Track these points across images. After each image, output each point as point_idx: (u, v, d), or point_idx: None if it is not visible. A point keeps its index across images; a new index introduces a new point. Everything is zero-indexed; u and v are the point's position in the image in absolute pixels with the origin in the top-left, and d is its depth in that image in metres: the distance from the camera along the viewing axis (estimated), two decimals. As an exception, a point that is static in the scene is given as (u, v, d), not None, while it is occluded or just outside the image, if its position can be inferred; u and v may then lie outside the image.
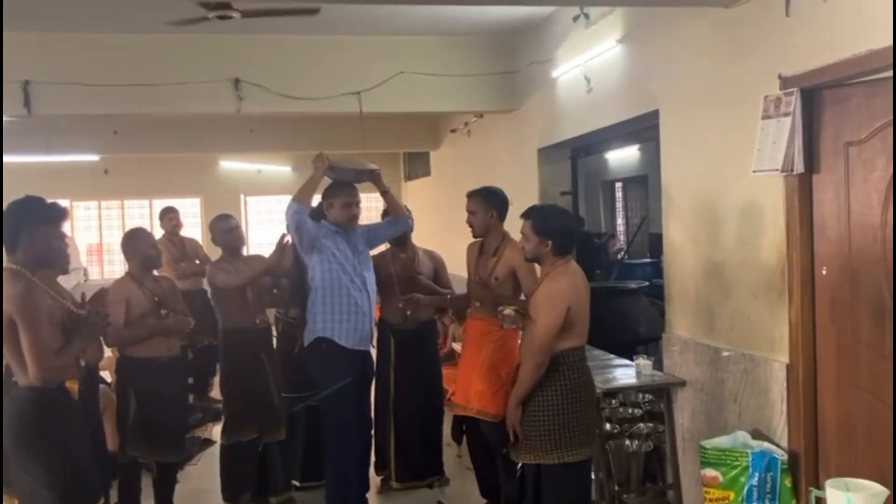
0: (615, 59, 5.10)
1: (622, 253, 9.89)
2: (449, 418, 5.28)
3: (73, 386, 3.19)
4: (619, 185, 12.77)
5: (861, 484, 2.02)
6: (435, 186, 10.90)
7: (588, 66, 5.42)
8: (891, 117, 3.05)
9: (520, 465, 3.60)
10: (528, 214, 3.60)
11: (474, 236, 4.34)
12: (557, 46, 5.93)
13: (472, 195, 4.33)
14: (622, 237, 12.06)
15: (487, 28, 6.45)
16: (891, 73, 2.99)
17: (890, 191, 3.09)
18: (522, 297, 4.13)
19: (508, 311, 3.64)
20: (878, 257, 3.16)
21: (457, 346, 6.06)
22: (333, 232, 4.29)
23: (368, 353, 4.44)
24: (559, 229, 3.54)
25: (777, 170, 3.35)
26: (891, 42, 2.86)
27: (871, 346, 3.22)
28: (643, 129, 5.35)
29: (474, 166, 8.57)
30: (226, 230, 4.73)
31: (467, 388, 4.24)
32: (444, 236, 8.32)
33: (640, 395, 4.76)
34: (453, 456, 5.48)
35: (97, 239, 13.57)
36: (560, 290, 3.44)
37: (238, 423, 4.62)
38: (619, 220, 12.92)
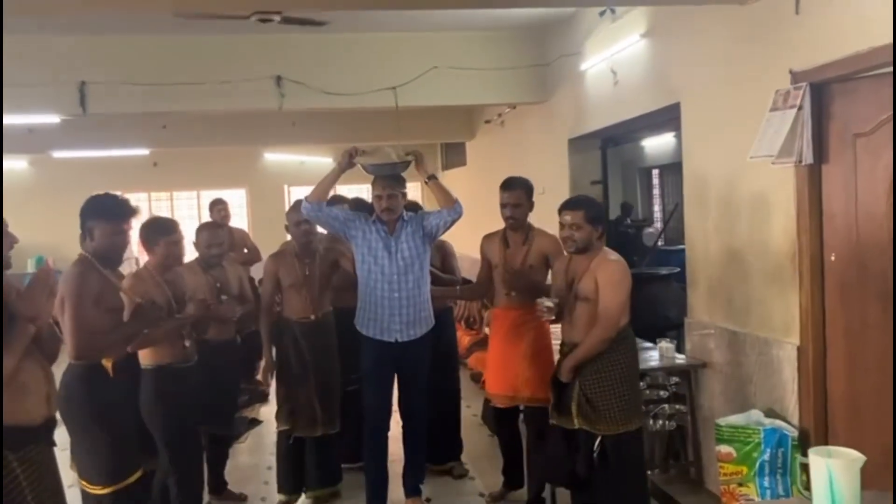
0: (639, 54, 5.26)
1: (657, 239, 9.99)
2: (475, 405, 5.39)
3: (106, 363, 3.43)
4: (655, 171, 12.85)
5: (841, 451, 2.20)
6: (471, 175, 11.12)
7: (614, 60, 5.59)
8: (896, 110, 3.20)
9: (598, 442, 3.60)
10: (577, 205, 3.66)
11: (513, 228, 4.30)
12: (585, 40, 6.10)
13: (513, 187, 4.28)
14: (658, 223, 12.15)
15: (517, 23, 6.64)
16: (892, 69, 3.13)
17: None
18: (549, 282, 4.26)
19: (549, 303, 3.72)
20: (884, 244, 3.31)
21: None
22: (370, 223, 4.28)
23: (409, 344, 4.29)
24: (604, 215, 3.71)
25: (771, 156, 3.53)
26: (891, 39, 3.01)
27: (878, 328, 3.38)
28: (669, 120, 5.50)
29: (509, 156, 8.78)
30: (294, 223, 4.60)
31: (513, 378, 4.22)
32: (480, 223, 8.50)
33: (668, 378, 4.95)
34: (485, 435, 5.70)
35: (147, 229, 14.07)
36: (626, 270, 3.65)
37: (279, 413, 4.69)
38: (656, 207, 13.01)
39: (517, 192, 4.26)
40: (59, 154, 10.76)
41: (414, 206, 4.97)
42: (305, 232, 4.59)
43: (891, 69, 3.14)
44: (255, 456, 5.53)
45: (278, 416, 4.67)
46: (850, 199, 3.48)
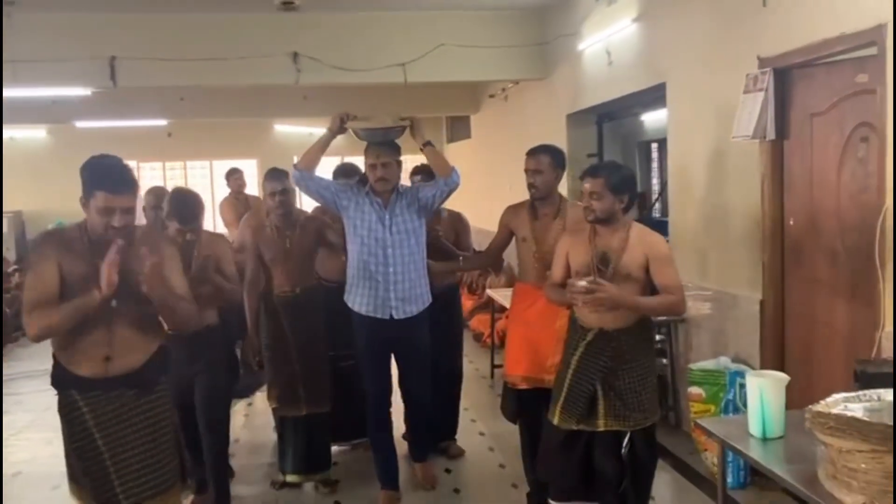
0: (631, 36, 5.72)
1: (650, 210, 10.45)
2: (476, 360, 5.72)
3: None
4: (654, 145, 13.27)
5: (770, 373, 2.72)
6: (476, 148, 11.58)
7: (609, 41, 6.04)
8: (847, 93, 3.68)
9: (626, 440, 3.31)
10: (598, 172, 3.33)
11: (536, 198, 3.89)
12: (582, 22, 6.53)
13: (537, 153, 3.87)
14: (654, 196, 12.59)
15: (520, 4, 7.09)
16: (843, 57, 3.61)
17: (844, 154, 3.72)
18: None
19: (583, 283, 3.13)
20: (833, 210, 3.81)
21: (493, 294, 6.75)
22: (364, 194, 4.03)
23: (405, 322, 4.06)
24: (632, 183, 3.36)
25: (748, 136, 4.00)
26: (840, 32, 3.48)
27: (827, 283, 3.89)
28: (657, 98, 5.95)
29: (511, 129, 9.24)
30: (268, 193, 4.38)
31: (541, 362, 3.83)
32: (484, 196, 9.01)
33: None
34: (486, 386, 6.20)
35: (162, 198, 14.55)
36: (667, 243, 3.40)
37: (269, 391, 4.53)
38: (655, 180, 13.47)
39: (538, 158, 3.85)
40: (81, 124, 11.23)
41: (428, 171, 4.54)
42: (280, 203, 4.33)
43: (842, 57, 3.62)
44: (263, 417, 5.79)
45: (268, 394, 4.53)
46: (806, 170, 3.97)
